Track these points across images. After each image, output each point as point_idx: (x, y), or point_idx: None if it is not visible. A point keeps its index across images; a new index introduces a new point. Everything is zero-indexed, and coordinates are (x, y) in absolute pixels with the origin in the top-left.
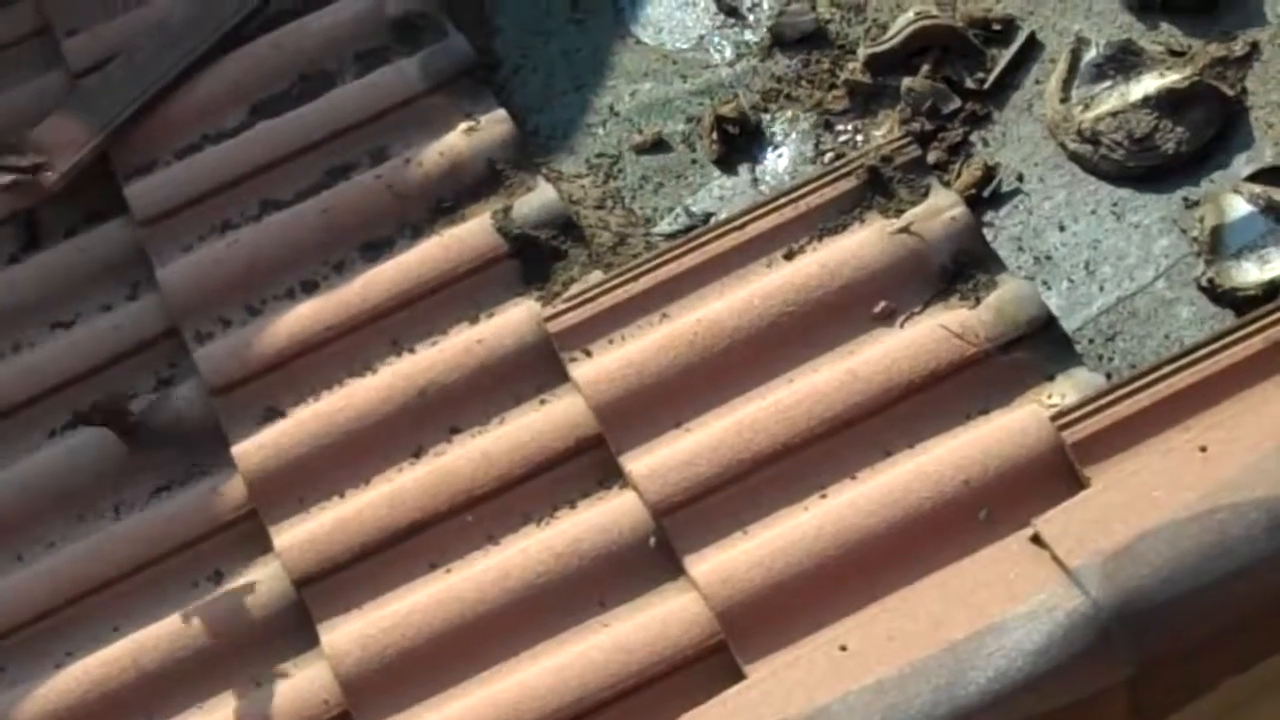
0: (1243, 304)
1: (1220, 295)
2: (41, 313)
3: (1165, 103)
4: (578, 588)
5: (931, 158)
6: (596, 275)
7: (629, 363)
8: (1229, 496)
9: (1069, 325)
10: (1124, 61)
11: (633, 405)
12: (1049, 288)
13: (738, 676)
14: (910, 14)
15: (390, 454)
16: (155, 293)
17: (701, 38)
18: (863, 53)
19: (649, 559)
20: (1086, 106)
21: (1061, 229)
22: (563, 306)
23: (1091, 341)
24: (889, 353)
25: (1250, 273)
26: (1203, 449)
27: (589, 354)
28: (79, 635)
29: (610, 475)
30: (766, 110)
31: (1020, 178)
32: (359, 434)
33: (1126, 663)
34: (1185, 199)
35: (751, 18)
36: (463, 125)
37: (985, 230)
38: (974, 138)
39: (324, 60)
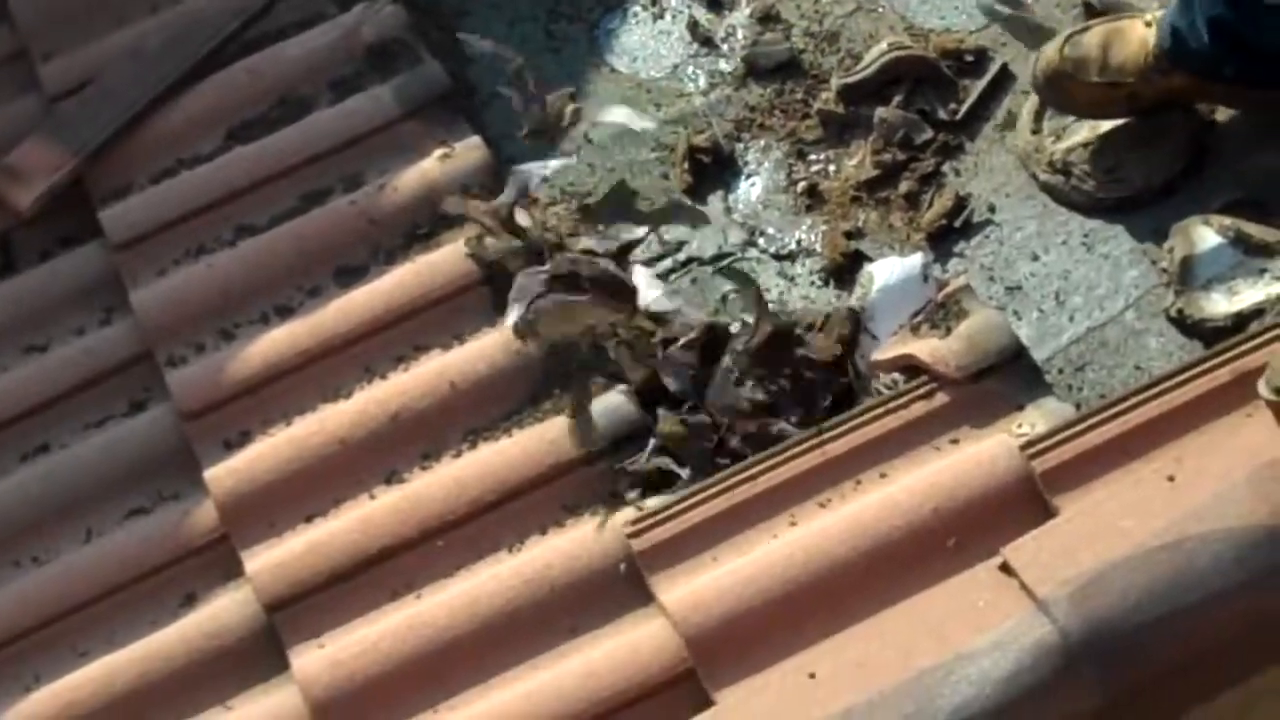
0: (1211, 335)
1: (1189, 326)
2: (15, 336)
3: (1136, 135)
4: (548, 614)
5: (903, 188)
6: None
7: None
8: (1196, 526)
9: (1039, 355)
10: None
11: None
12: (1020, 318)
13: (707, 703)
14: (884, 44)
15: (362, 479)
16: (129, 317)
17: (676, 67)
18: (836, 82)
19: (619, 586)
20: (1058, 138)
21: (1033, 259)
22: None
23: (1061, 371)
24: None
25: (1219, 304)
26: (1171, 479)
27: None
28: (48, 659)
29: (581, 502)
30: (739, 139)
31: (992, 208)
32: (331, 459)
33: (1094, 691)
34: (1155, 230)
35: (726, 47)
36: (437, 152)
37: (956, 261)
38: (946, 168)
39: (300, 86)
